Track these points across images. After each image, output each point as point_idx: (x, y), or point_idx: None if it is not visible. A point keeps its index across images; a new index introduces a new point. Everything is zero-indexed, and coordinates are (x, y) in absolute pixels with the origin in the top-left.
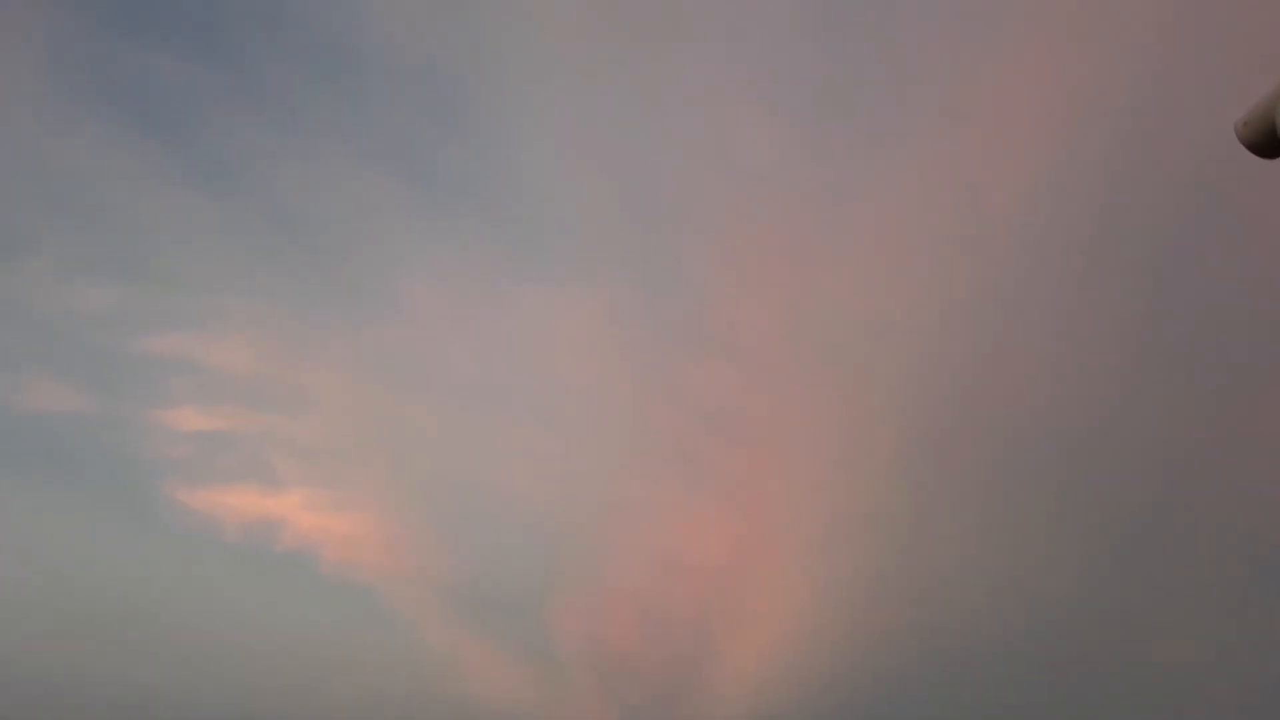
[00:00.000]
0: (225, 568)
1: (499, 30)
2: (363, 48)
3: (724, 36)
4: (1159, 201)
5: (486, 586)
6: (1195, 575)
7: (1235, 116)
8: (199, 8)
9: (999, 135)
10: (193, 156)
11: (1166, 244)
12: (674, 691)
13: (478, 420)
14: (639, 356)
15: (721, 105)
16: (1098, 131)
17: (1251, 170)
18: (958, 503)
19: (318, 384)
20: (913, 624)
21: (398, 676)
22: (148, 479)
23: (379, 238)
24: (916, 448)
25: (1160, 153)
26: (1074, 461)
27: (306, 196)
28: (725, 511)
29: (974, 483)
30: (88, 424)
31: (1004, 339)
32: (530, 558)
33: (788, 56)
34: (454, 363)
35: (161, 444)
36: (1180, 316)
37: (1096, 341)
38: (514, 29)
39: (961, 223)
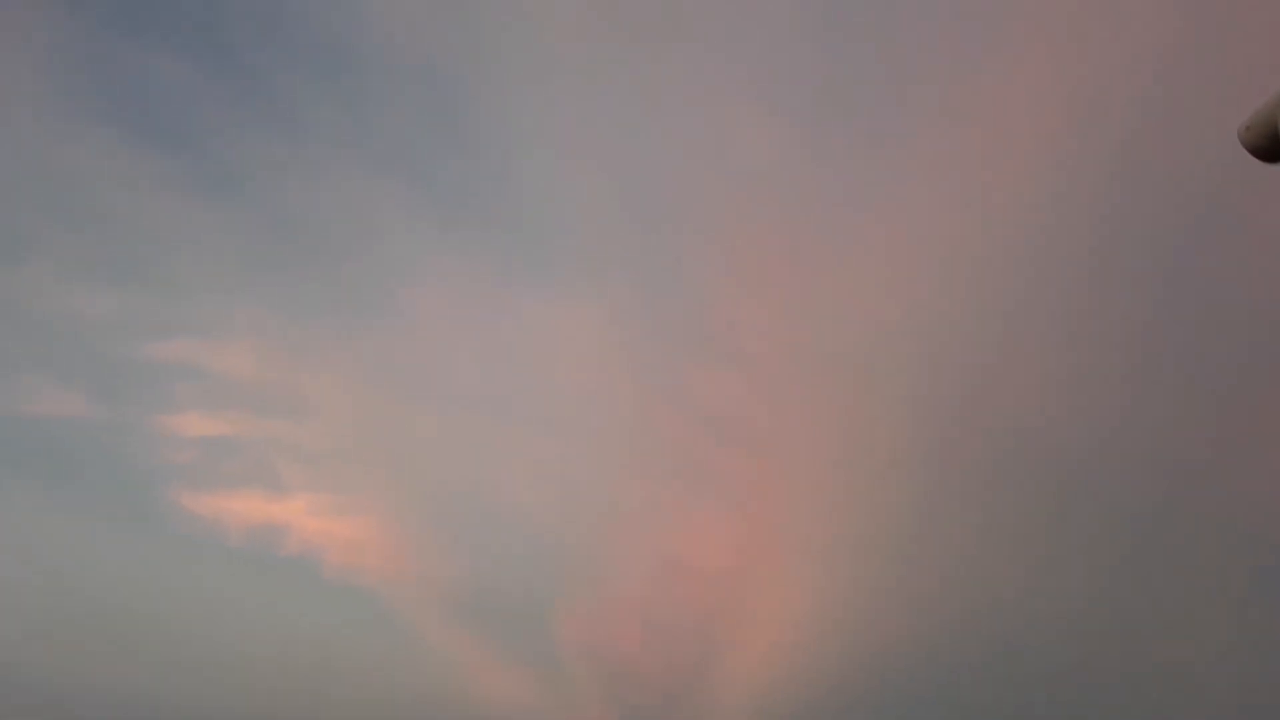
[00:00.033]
0: (229, 572)
1: (500, 36)
2: (365, 53)
3: (725, 37)
4: (1162, 207)
5: (490, 591)
6: (1199, 582)
7: (1238, 121)
8: (201, 12)
9: (1000, 137)
10: (196, 162)
11: (1170, 250)
12: (677, 696)
13: (481, 425)
14: (641, 362)
15: (722, 106)
16: (1100, 136)
17: (1254, 174)
18: (961, 508)
19: (321, 389)
20: (916, 629)
21: (401, 681)
22: (151, 484)
23: (382, 243)
24: (920, 453)
25: (1163, 158)
26: (1078, 468)
27: (310, 202)
28: (728, 516)
29: (977, 488)
30: (91, 429)
31: (1007, 345)
32: (533, 562)
33: (788, 56)
34: (457, 368)
35: (165, 449)
36: (1183, 322)
37: (1099, 347)
38: (515, 34)
39: (964, 226)
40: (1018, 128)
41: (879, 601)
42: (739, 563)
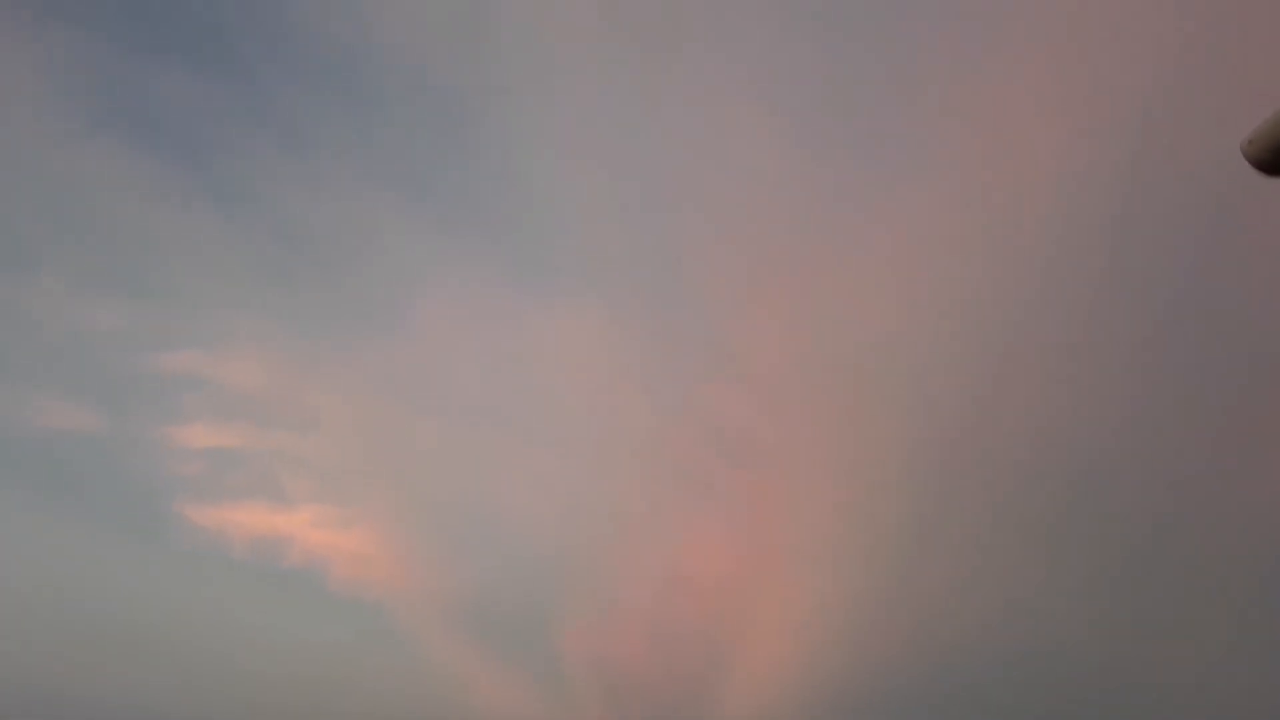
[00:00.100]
0: (233, 584)
1: (501, 48)
2: (369, 67)
3: (725, 37)
4: (1167, 220)
5: (494, 603)
6: (1201, 592)
7: (1241, 131)
8: (208, 28)
9: (1002, 137)
10: (202, 175)
11: (1174, 261)
12: (681, 708)
13: (485, 438)
14: (646, 375)
15: (724, 109)
16: (1102, 138)
17: (1258, 183)
18: (964, 520)
19: (327, 402)
20: (919, 640)
21: (405, 693)
22: (157, 496)
23: (387, 255)
24: (923, 465)
25: (1168, 172)
26: (1081, 477)
27: (315, 214)
28: (731, 527)
29: (980, 500)
30: (98, 441)
31: (1010, 358)
32: (537, 575)
33: (788, 56)
34: (462, 381)
35: (171, 461)
36: (1186, 334)
37: (1103, 356)
38: (518, 46)
39: (965, 227)
40: (1019, 128)
41: (882, 612)
42: (742, 573)
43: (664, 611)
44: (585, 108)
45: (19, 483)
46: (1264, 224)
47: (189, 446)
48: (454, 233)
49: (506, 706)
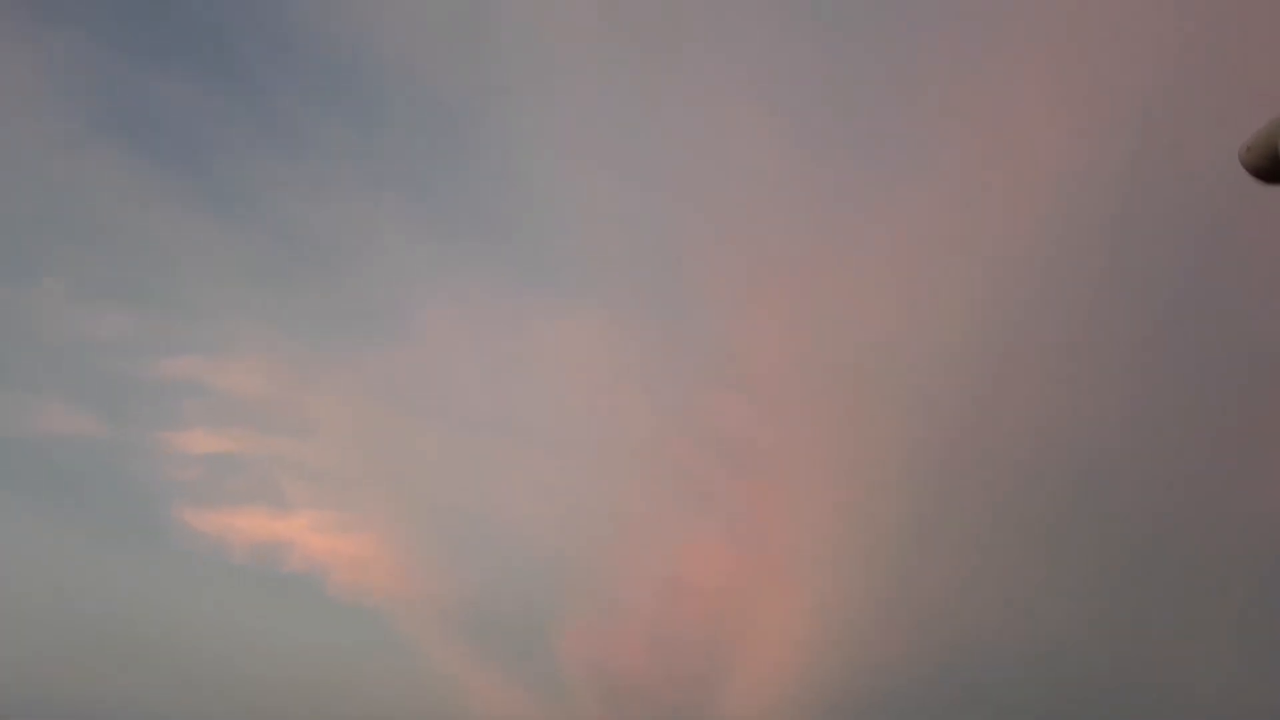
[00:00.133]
0: (233, 589)
1: (504, 50)
2: (369, 73)
3: (725, 37)
4: (1167, 220)
5: (493, 609)
6: (1202, 592)
7: (1243, 134)
8: (210, 35)
9: (1003, 137)
10: (204, 182)
11: (1174, 261)
12: (681, 712)
13: (485, 444)
14: (647, 382)
15: (724, 109)
16: (1106, 150)
17: (1257, 188)
18: (964, 521)
19: (327, 407)
20: (920, 641)
21: (404, 698)
22: (157, 501)
23: (387, 260)
24: (923, 466)
25: (1168, 172)
26: (1080, 482)
27: (315, 219)
28: (732, 535)
29: (981, 501)
30: (99, 446)
31: (1010, 359)
32: (537, 581)
33: (788, 56)
34: (462, 387)
35: (171, 466)
36: (1187, 334)
37: (1103, 360)
38: (518, 48)
39: (966, 227)
40: (1019, 129)
41: (882, 614)
42: (742, 579)
43: (664, 615)
44: (585, 109)
45: (20, 487)
46: (1264, 224)
47: (189, 451)
48: (454, 237)
49: (506, 711)
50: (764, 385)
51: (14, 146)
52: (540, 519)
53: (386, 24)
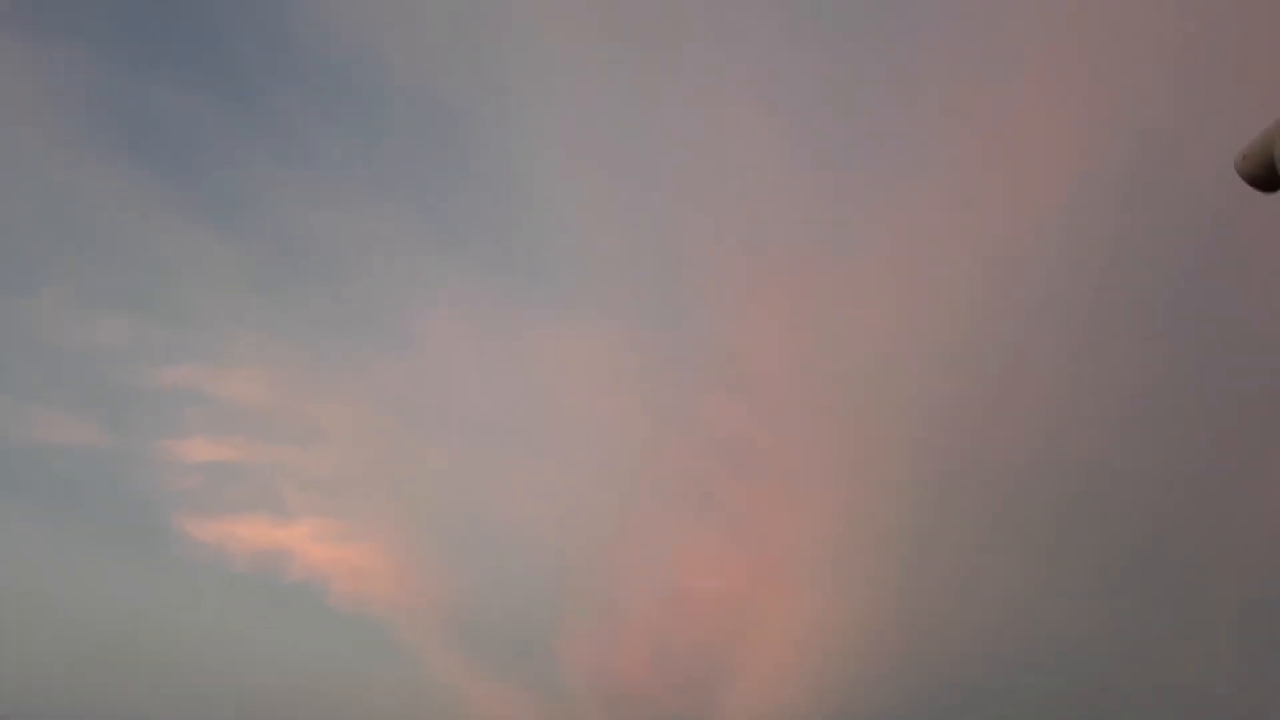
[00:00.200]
0: (233, 598)
1: (504, 55)
2: (368, 80)
3: (728, 41)
4: (1169, 220)
5: (495, 618)
6: (1204, 598)
7: (1244, 134)
8: (209, 43)
9: (1004, 137)
10: (204, 190)
11: (1177, 262)
12: (683, 719)
13: (487, 451)
14: (647, 385)
15: (726, 112)
16: (1108, 151)
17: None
18: (967, 538)
19: (327, 415)
20: (922, 648)
21: (405, 708)
22: (158, 509)
23: (388, 268)
24: (924, 473)
25: (1170, 172)
26: (1082, 489)
27: (318, 230)
28: (734, 542)
29: (983, 518)
30: (99, 455)
31: (1013, 361)
32: (539, 589)
33: (788, 56)
34: (463, 394)
35: (172, 475)
36: (1190, 336)
37: (1106, 363)
38: (518, 54)
39: (967, 228)
40: (1021, 129)
41: (884, 620)
42: (744, 586)
43: (665, 622)
44: (585, 109)
45: (19, 495)
46: (1265, 225)
47: (190, 460)
48: (454, 242)
49: (508, 718)
50: (764, 387)
51: (13, 154)
52: (543, 526)
53: (386, 28)
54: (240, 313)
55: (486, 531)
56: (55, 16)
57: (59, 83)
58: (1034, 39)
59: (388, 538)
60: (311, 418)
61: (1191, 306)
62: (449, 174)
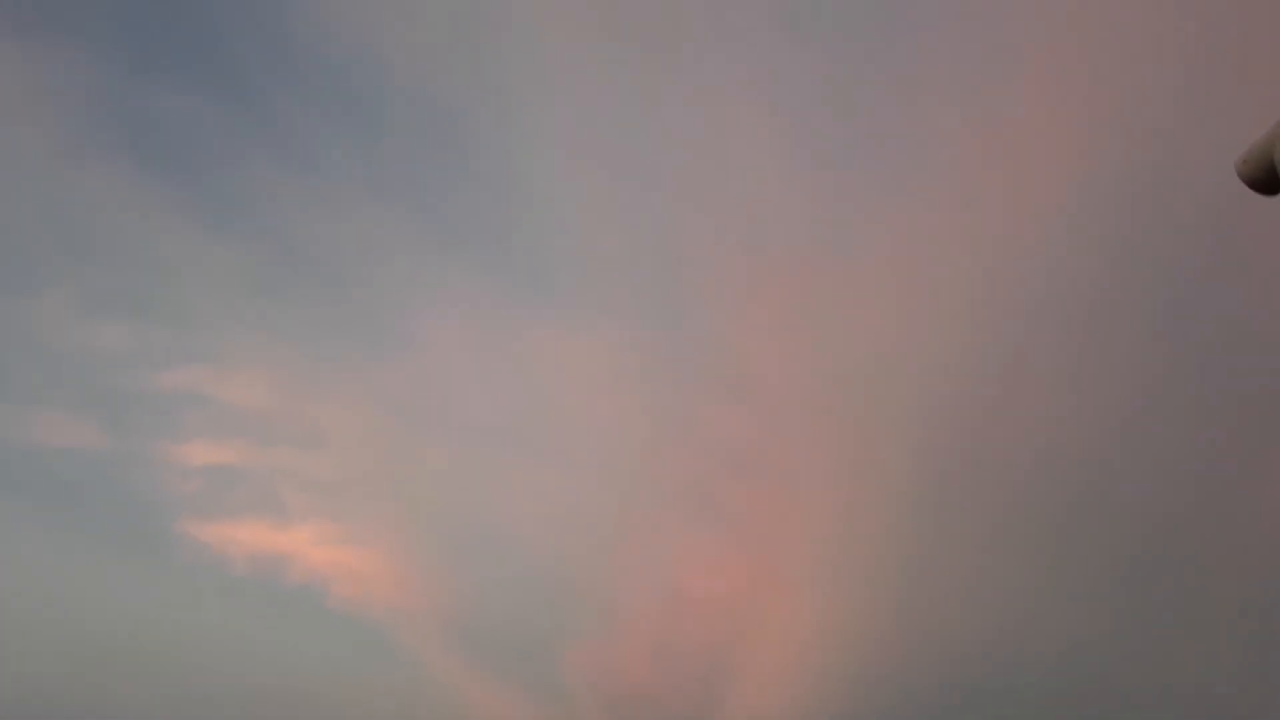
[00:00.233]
0: (233, 602)
1: (504, 60)
2: (369, 81)
3: (728, 41)
4: (1173, 220)
5: (496, 621)
6: (1202, 606)
7: (1248, 132)
8: (209, 45)
9: (1005, 137)
10: (204, 193)
11: (1181, 262)
12: None
13: (489, 455)
14: (648, 389)
15: (726, 112)
16: (1111, 151)
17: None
18: (969, 539)
19: (329, 418)
20: (923, 655)
21: (406, 711)
22: (158, 513)
23: (391, 273)
24: (928, 485)
25: (1174, 172)
26: (1085, 492)
27: (318, 232)
28: (736, 546)
29: (985, 519)
30: (99, 458)
31: (1017, 363)
32: (541, 593)
33: (788, 56)
34: (466, 398)
35: (172, 478)
36: (1195, 336)
37: (1104, 374)
38: (518, 59)
39: (968, 228)
40: (1023, 130)
41: (887, 624)
42: (746, 590)
43: (667, 627)
44: (585, 110)
45: (19, 498)
46: (1266, 226)
47: (190, 463)
48: (454, 243)
49: None
50: (764, 388)
51: (13, 155)
52: (544, 530)
53: (386, 36)
54: (241, 316)
55: (487, 534)
56: (55, 17)
57: (59, 84)
58: (1034, 39)
59: (388, 540)
60: (313, 421)
61: (1193, 307)
62: (448, 174)
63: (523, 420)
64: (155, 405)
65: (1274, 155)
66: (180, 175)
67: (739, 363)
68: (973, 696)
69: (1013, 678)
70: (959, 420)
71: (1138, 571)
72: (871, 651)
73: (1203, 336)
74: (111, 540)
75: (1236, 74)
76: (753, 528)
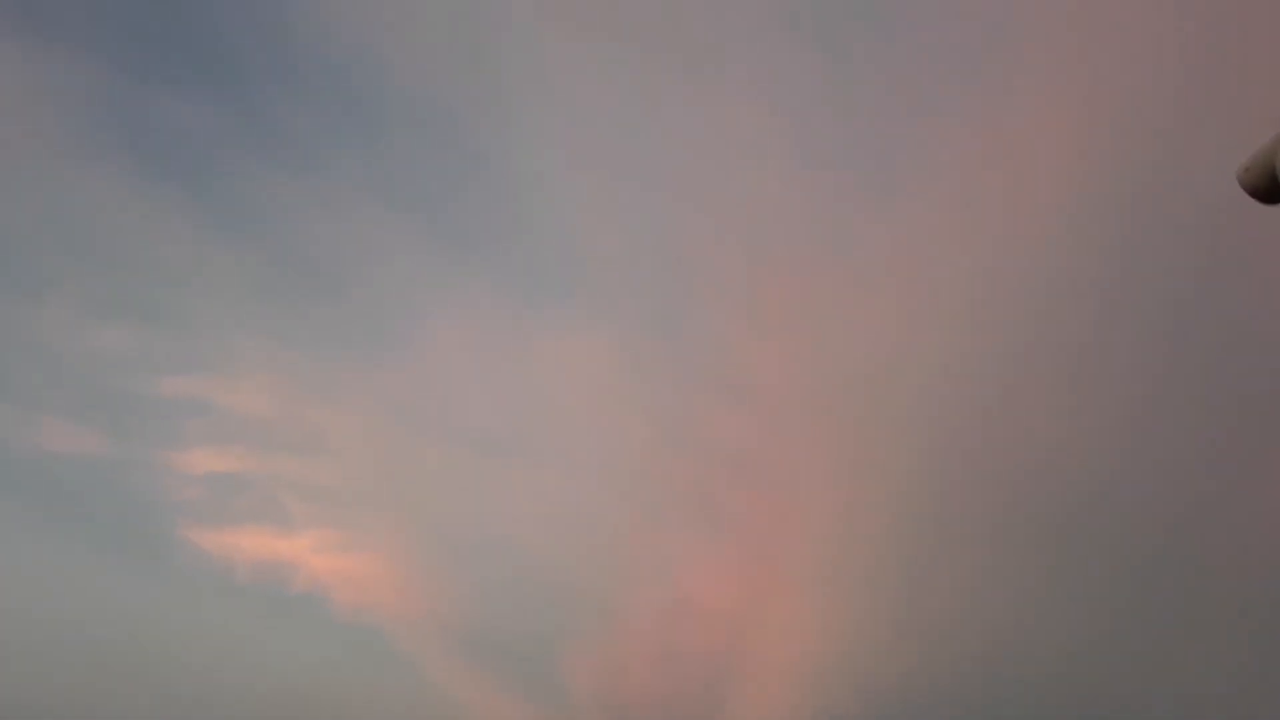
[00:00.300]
0: (236, 609)
1: (504, 60)
2: (372, 89)
3: (732, 44)
4: (1175, 222)
5: (498, 629)
6: (1203, 607)
7: (1249, 134)
8: (210, 47)
9: (1005, 138)
10: (208, 200)
11: (1182, 264)
12: None
13: (490, 462)
14: (649, 392)
15: (728, 117)
16: (1112, 153)
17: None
18: (969, 540)
19: (331, 426)
20: (924, 664)
21: (408, 718)
22: (161, 519)
23: (392, 274)
24: (928, 486)
25: (1175, 173)
26: (1086, 502)
27: (321, 239)
28: (737, 553)
29: (985, 520)
30: (101, 464)
31: (1013, 372)
32: (542, 600)
33: (788, 56)
34: (467, 405)
35: (175, 485)
36: (1196, 339)
37: (1104, 376)
38: (518, 59)
39: (968, 229)
40: (1024, 131)
41: (888, 637)
42: (748, 598)
43: (668, 634)
44: (586, 111)
45: (21, 504)
46: (1267, 228)
47: (192, 471)
48: (455, 247)
49: None
50: (765, 391)
51: (16, 160)
52: (546, 537)
53: (389, 45)
54: (245, 323)
55: (487, 538)
56: (55, 19)
57: (59, 85)
58: (1034, 39)
59: (390, 549)
60: (315, 428)
61: (1193, 308)
62: (449, 175)
63: (523, 424)
64: (157, 411)
65: (1275, 164)
66: (181, 176)
67: (739, 364)
68: (975, 700)
69: (1014, 679)
70: (959, 421)
71: (1138, 572)
72: (872, 652)
73: (1203, 337)
74: (114, 546)
75: (1236, 74)
76: (753, 529)
